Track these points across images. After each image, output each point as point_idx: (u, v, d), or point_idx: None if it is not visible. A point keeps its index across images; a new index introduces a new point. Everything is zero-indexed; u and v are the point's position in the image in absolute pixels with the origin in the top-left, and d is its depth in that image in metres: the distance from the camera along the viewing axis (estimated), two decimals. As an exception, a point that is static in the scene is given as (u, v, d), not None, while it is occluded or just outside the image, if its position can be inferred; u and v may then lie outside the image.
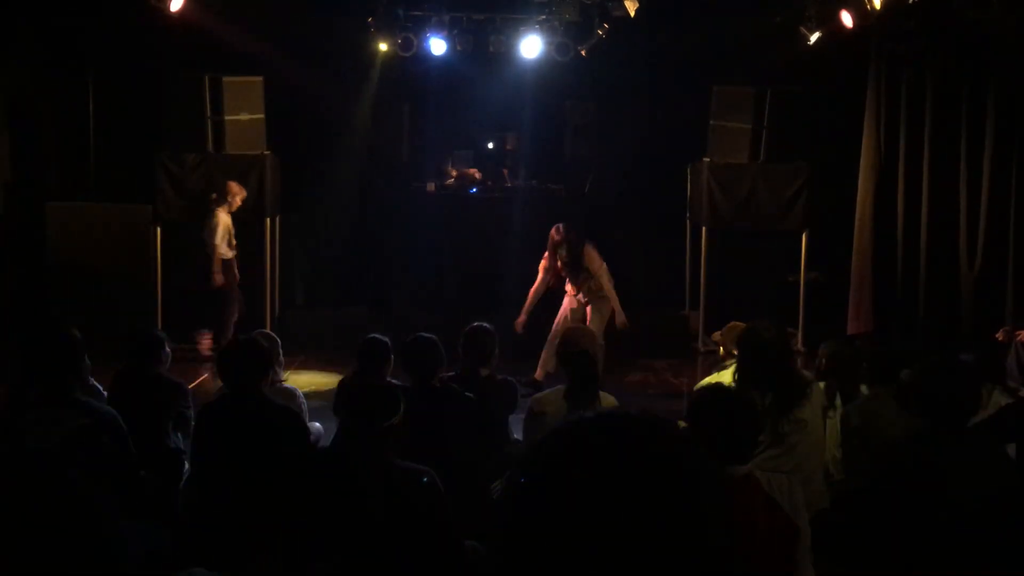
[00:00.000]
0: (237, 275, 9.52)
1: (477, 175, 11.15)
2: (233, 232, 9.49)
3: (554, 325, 8.41)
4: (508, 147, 11.79)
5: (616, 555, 1.01)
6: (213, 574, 2.23)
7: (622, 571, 1.01)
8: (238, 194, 9.51)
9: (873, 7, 8.76)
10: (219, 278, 9.28)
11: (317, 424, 5.75)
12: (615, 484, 1.02)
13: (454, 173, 11.42)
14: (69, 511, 1.40)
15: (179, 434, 5.07)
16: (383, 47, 10.76)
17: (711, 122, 10.32)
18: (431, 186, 11.17)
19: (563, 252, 8.35)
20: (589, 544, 1.01)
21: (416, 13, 10.47)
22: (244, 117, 9.92)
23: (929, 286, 9.84)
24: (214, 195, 9.51)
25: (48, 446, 3.78)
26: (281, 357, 5.68)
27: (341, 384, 5.43)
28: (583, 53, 10.68)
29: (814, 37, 9.77)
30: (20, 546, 1.34)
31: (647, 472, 1.03)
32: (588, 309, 8.42)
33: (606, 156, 11.60)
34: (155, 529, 3.91)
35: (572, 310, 8.44)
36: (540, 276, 8.58)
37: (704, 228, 10.47)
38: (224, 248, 9.35)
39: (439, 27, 10.43)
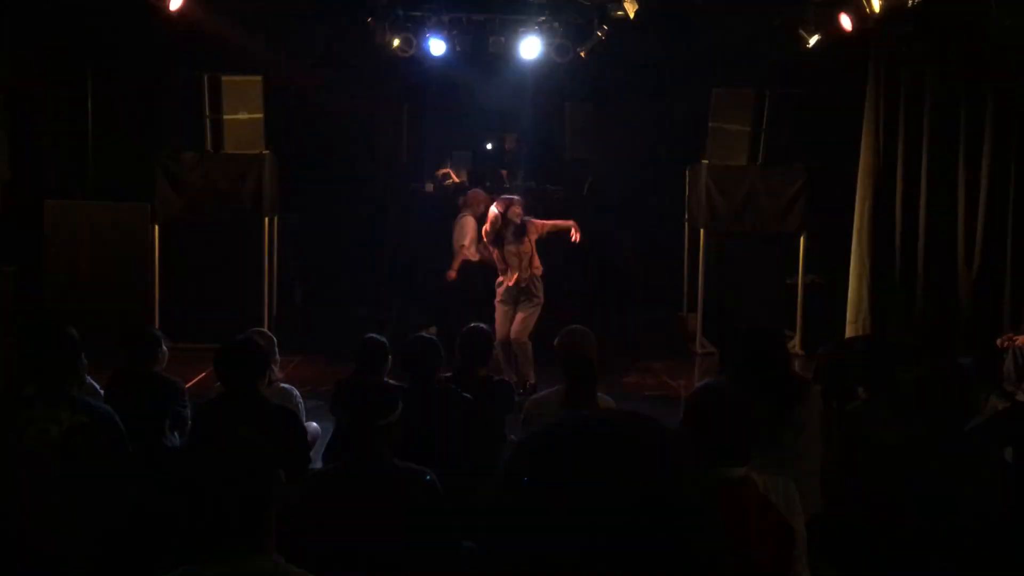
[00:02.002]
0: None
1: (456, 179, 11.16)
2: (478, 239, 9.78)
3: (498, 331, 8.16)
4: (508, 147, 11.80)
5: (604, 555, 1.01)
6: (208, 573, 2.23)
7: (611, 570, 1.01)
8: (482, 202, 9.71)
9: (872, 10, 8.76)
10: (452, 275, 9.64)
11: (314, 424, 5.75)
12: (599, 485, 1.02)
13: (454, 176, 11.42)
14: (64, 508, 1.40)
15: (176, 433, 5.06)
16: (382, 47, 10.76)
17: (710, 124, 10.33)
18: (430, 186, 11.18)
19: (517, 208, 8.27)
20: (575, 545, 1.01)
21: (415, 13, 10.47)
22: (243, 116, 9.92)
23: (927, 289, 9.84)
24: (462, 200, 9.97)
25: (45, 444, 3.78)
26: (277, 356, 5.68)
27: (338, 384, 5.43)
28: (582, 54, 10.69)
29: (813, 40, 9.79)
30: (17, 541, 1.35)
31: (631, 472, 1.03)
32: (519, 304, 8.31)
33: (605, 158, 11.61)
34: (151, 526, 3.90)
35: (504, 311, 8.31)
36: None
37: (702, 230, 10.48)
38: (472, 251, 9.65)
39: (438, 27, 10.44)
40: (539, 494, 1.04)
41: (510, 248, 8.27)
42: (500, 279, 8.41)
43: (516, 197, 8.60)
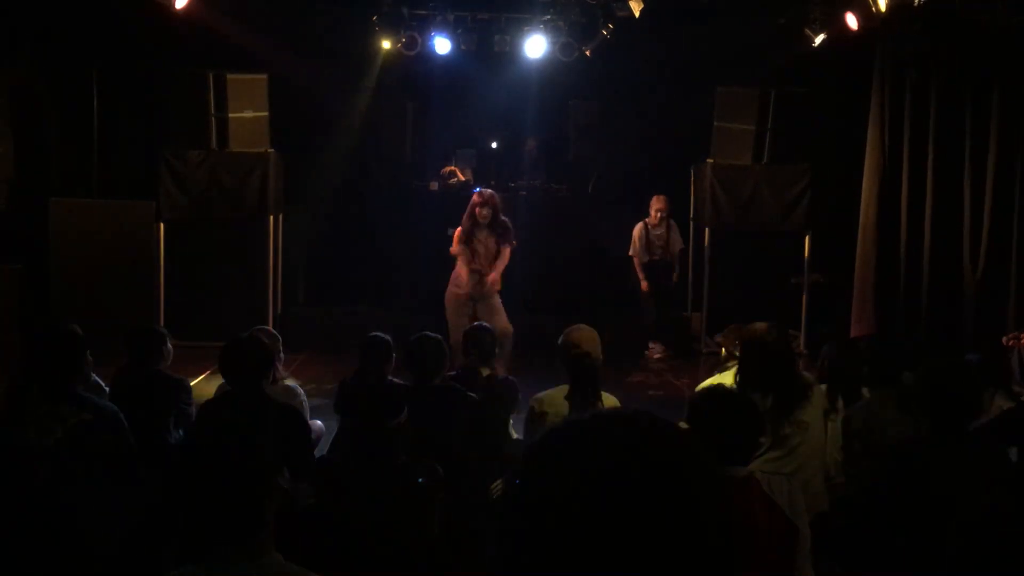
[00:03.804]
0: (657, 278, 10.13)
1: (461, 177, 11.16)
2: (653, 239, 10.07)
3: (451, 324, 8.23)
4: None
5: (614, 557, 1.00)
6: (209, 572, 2.23)
7: (620, 573, 1.00)
8: (656, 205, 10.00)
9: (878, 9, 8.75)
10: (643, 284, 10.02)
11: (318, 422, 5.75)
12: (609, 485, 1.02)
13: (459, 174, 11.41)
14: (64, 505, 1.40)
15: (180, 431, 5.06)
16: (387, 46, 10.76)
17: (715, 123, 10.32)
18: (433, 185, 11.17)
19: (486, 211, 8.31)
20: (586, 546, 1.01)
21: (421, 12, 10.47)
22: (248, 115, 9.93)
23: (932, 288, 9.83)
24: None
25: (49, 441, 3.78)
26: (282, 354, 5.67)
27: (343, 382, 5.43)
28: (587, 53, 10.68)
29: (819, 39, 9.78)
30: (15, 539, 1.35)
31: (642, 473, 1.03)
32: (478, 306, 8.35)
33: (610, 156, 11.59)
34: (153, 524, 3.91)
35: (458, 303, 8.36)
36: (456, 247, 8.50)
37: (707, 229, 10.47)
38: (642, 255, 10.04)
39: (443, 26, 10.44)
40: (552, 496, 1.04)
41: (479, 248, 8.36)
42: (456, 273, 8.40)
43: (489, 193, 8.63)
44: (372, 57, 11.03)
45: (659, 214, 10.07)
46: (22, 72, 9.84)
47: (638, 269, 10.12)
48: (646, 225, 10.12)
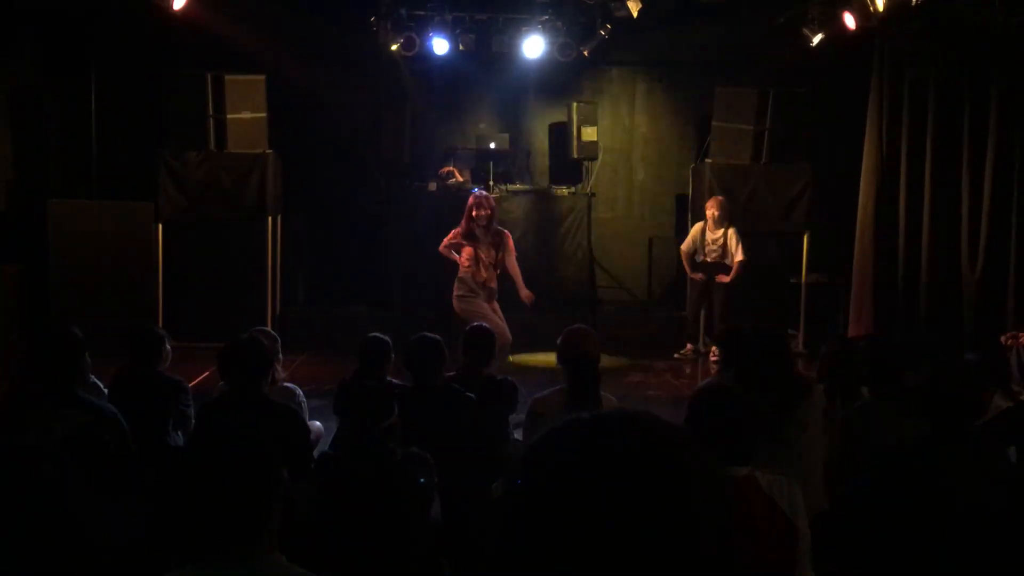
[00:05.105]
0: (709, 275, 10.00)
1: (459, 178, 11.15)
2: (708, 241, 9.92)
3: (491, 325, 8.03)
4: (499, 148, 11.83)
5: (614, 557, 1.00)
6: (211, 572, 2.23)
7: (620, 573, 1.01)
8: (709, 208, 9.88)
9: (876, 9, 8.76)
10: (696, 276, 9.97)
11: (317, 423, 5.75)
12: (609, 485, 1.02)
13: (457, 175, 11.41)
14: (64, 508, 1.40)
15: (180, 432, 5.05)
16: (386, 46, 10.75)
17: (714, 123, 10.33)
18: (432, 185, 11.17)
19: (483, 212, 8.08)
20: (586, 546, 1.01)
21: (419, 13, 10.47)
22: (246, 115, 9.94)
23: (931, 288, 9.83)
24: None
25: (48, 443, 3.78)
26: (280, 355, 5.67)
27: (342, 383, 5.43)
28: (585, 54, 10.68)
29: (817, 38, 9.78)
30: (15, 541, 1.35)
31: (642, 473, 1.03)
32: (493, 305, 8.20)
33: (609, 157, 11.59)
34: (153, 526, 3.90)
35: (476, 303, 8.10)
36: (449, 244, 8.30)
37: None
38: (695, 253, 9.97)
39: (442, 27, 10.44)
40: (552, 496, 1.04)
41: (481, 253, 8.12)
42: (463, 273, 8.13)
43: (484, 194, 8.56)
44: (370, 58, 11.02)
45: (712, 216, 9.84)
46: (22, 72, 9.83)
47: (684, 260, 10.03)
48: (704, 226, 9.96)
